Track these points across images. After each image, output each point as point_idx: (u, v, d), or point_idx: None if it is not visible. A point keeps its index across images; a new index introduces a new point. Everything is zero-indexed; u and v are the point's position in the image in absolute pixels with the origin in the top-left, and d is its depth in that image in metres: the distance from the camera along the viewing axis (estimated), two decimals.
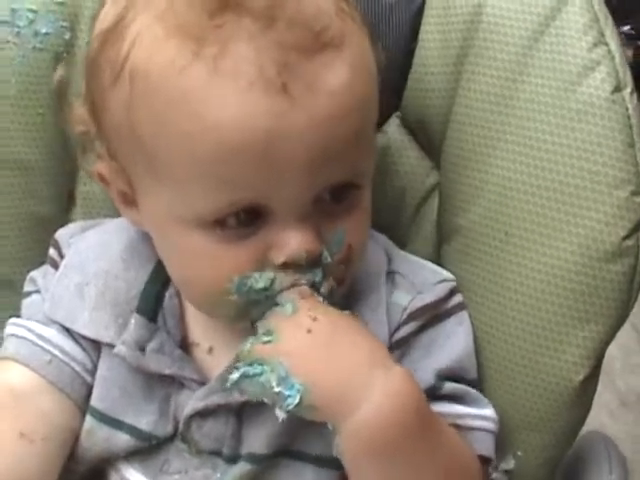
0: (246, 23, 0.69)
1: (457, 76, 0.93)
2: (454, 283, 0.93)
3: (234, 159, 0.71)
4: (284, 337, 0.75)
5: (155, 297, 0.89)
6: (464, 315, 0.93)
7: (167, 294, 0.89)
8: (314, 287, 0.78)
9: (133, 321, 0.88)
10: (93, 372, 0.89)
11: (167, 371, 0.87)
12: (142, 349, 0.87)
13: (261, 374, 0.74)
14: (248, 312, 0.79)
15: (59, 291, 0.90)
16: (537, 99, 0.87)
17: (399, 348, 0.88)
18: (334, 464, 0.80)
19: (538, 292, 0.88)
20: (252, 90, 0.69)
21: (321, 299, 0.78)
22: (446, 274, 0.94)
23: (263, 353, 0.75)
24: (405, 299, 0.89)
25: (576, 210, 0.85)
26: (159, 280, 0.89)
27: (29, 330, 0.89)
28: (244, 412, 0.86)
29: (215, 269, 0.77)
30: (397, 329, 0.88)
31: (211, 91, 0.69)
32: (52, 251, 0.94)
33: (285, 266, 0.76)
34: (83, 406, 0.89)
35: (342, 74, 0.73)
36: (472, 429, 0.88)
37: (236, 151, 0.70)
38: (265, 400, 0.75)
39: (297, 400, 0.72)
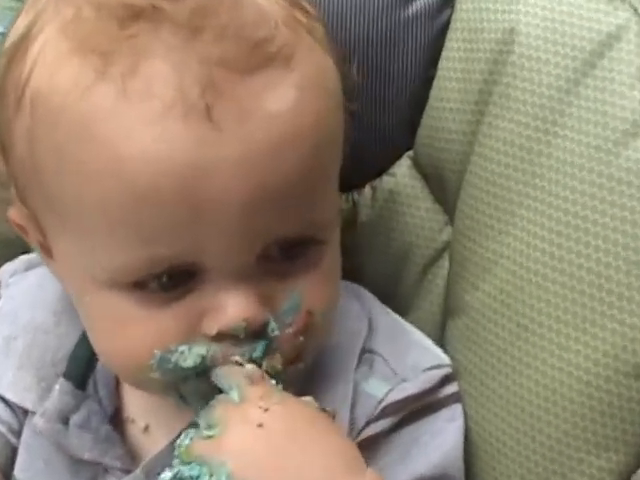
0: (164, 34, 0.57)
1: (478, 117, 0.76)
2: (449, 369, 0.77)
3: (148, 204, 0.57)
4: (229, 432, 0.59)
5: (87, 360, 0.76)
6: (457, 409, 0.77)
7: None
8: (256, 363, 0.63)
9: (58, 387, 0.76)
10: (20, 434, 0.78)
11: (86, 455, 0.74)
12: (65, 421, 0.75)
13: (197, 477, 0.59)
14: (177, 389, 0.65)
15: None
16: (570, 159, 0.70)
17: (367, 449, 0.69)
18: None
19: (549, 403, 0.70)
20: (168, 116, 0.56)
21: (274, 382, 0.63)
22: (442, 357, 0.78)
23: (204, 451, 0.59)
24: (381, 390, 0.74)
25: (605, 309, 0.67)
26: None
27: None
28: None
29: (134, 340, 0.63)
30: (366, 425, 0.72)
31: (118, 118, 0.57)
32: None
33: (220, 337, 0.62)
34: (7, 471, 0.78)
35: (287, 96, 0.59)
36: None
37: (150, 194, 0.57)
38: None
39: None
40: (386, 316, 0.79)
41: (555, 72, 0.70)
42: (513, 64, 0.72)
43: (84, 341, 0.75)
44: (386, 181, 0.84)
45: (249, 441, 0.59)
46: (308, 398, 0.63)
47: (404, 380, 0.74)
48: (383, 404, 0.73)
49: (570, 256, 0.69)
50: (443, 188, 0.81)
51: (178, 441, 0.61)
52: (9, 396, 0.77)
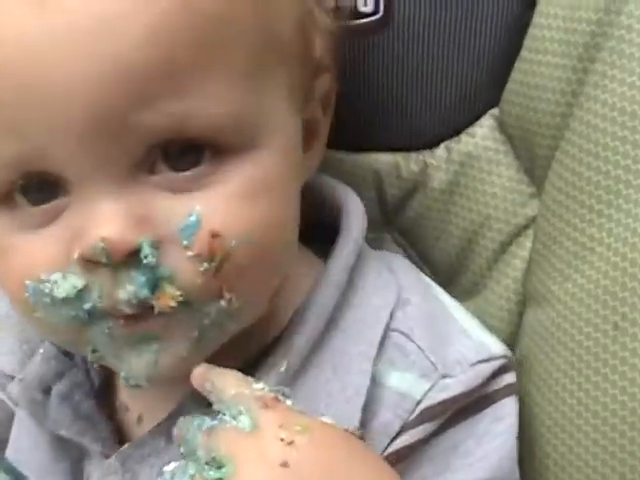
0: None
1: (581, 75, 0.65)
2: (503, 360, 0.66)
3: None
4: (243, 473, 0.49)
5: None
6: (509, 404, 0.66)
7: None
8: (142, 304, 0.55)
9: (41, 351, 0.71)
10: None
11: (63, 432, 0.69)
12: (47, 391, 0.70)
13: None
14: (78, 337, 0.58)
15: None
16: None
17: (401, 461, 0.61)
18: None
19: (626, 410, 0.61)
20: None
21: (290, 402, 0.53)
22: (495, 348, 0.67)
23: None
24: (419, 388, 0.63)
25: None
26: None
27: None
28: None
29: (6, 272, 0.58)
30: (401, 431, 0.62)
31: None
32: None
33: (87, 265, 0.54)
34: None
35: None
36: None
37: None
38: None
39: None
40: (423, 293, 0.68)
41: None
42: (629, 14, 0.61)
43: None
44: (464, 142, 0.73)
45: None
46: (327, 419, 0.54)
47: (446, 376, 0.63)
48: (422, 406, 0.62)
49: None
50: (532, 154, 0.70)
51: (167, 474, 0.53)
52: None
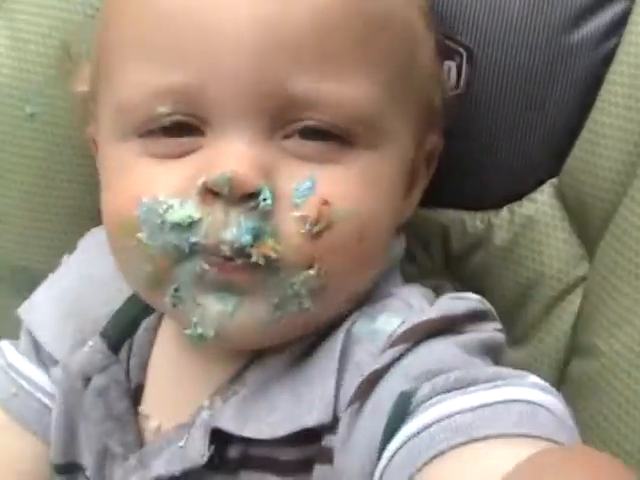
0: None
1: (636, 159, 0.73)
2: (480, 305, 0.65)
3: (164, 25, 0.60)
4: None
5: (128, 323, 0.74)
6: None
7: (143, 324, 0.74)
8: (241, 251, 0.59)
9: (90, 343, 0.73)
10: None
11: (91, 428, 0.72)
12: (86, 382, 0.72)
13: None
14: (170, 279, 0.62)
15: (41, 292, 0.80)
16: None
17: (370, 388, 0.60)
18: None
19: None
20: None
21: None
22: (474, 297, 0.67)
23: None
24: (392, 324, 0.63)
25: None
26: (136, 305, 0.74)
27: (2, 354, 0.80)
28: None
29: (125, 188, 0.62)
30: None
31: None
32: (65, 257, 0.83)
33: (207, 197, 0.59)
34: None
35: None
36: None
37: (165, 17, 0.60)
38: None
39: None
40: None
41: None
42: None
43: (130, 303, 0.74)
44: (526, 206, 0.81)
45: None
46: None
47: (421, 310, 0.65)
48: (393, 337, 0.61)
49: None
50: (585, 222, 0.78)
51: None
52: (45, 341, 0.76)
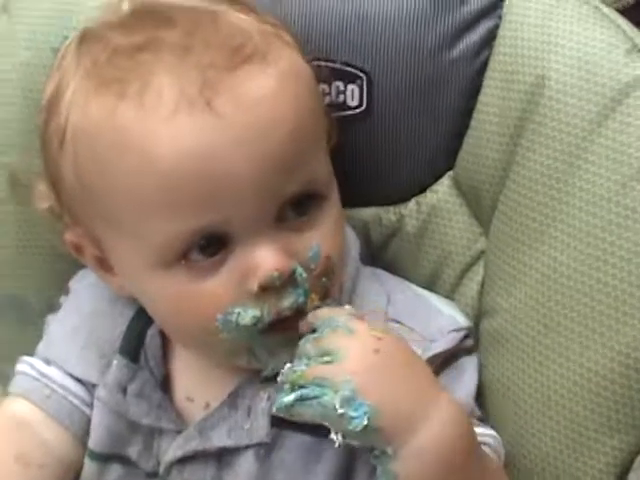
0: (164, 56, 0.75)
1: (513, 148, 0.90)
2: (467, 331, 0.92)
3: (177, 185, 0.73)
4: (351, 356, 0.75)
5: (138, 336, 0.92)
6: (470, 360, 0.93)
7: (149, 333, 0.92)
8: (298, 308, 0.79)
9: (115, 362, 0.91)
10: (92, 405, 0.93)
11: (144, 421, 0.90)
12: (124, 390, 0.90)
13: (321, 396, 0.73)
14: (246, 347, 0.81)
15: (56, 331, 0.96)
16: (592, 190, 0.84)
17: None
18: None
19: (571, 393, 0.85)
20: (177, 114, 0.73)
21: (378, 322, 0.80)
22: (460, 320, 0.93)
23: (325, 374, 0.74)
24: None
25: (619, 315, 0.82)
26: (143, 318, 0.91)
27: (32, 367, 0.94)
28: (223, 456, 0.87)
29: (195, 310, 0.79)
30: None
31: (141, 125, 0.73)
32: (63, 298, 0.99)
33: (264, 291, 0.77)
34: (84, 437, 0.93)
35: (267, 84, 0.76)
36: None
37: (176, 176, 0.73)
38: (325, 423, 0.74)
39: (365, 422, 0.72)
40: (404, 292, 0.94)
41: (580, 114, 0.84)
42: (544, 105, 0.86)
43: (135, 320, 0.92)
44: (429, 197, 0.98)
45: (369, 363, 0.74)
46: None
47: (432, 341, 0.88)
48: None
49: (590, 271, 0.83)
50: (479, 205, 0.95)
51: (288, 369, 0.76)
52: (76, 373, 0.92)
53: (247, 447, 0.86)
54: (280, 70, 0.78)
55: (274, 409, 0.77)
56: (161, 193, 0.74)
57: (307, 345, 0.77)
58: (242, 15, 0.81)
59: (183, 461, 0.88)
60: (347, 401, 0.72)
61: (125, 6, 0.83)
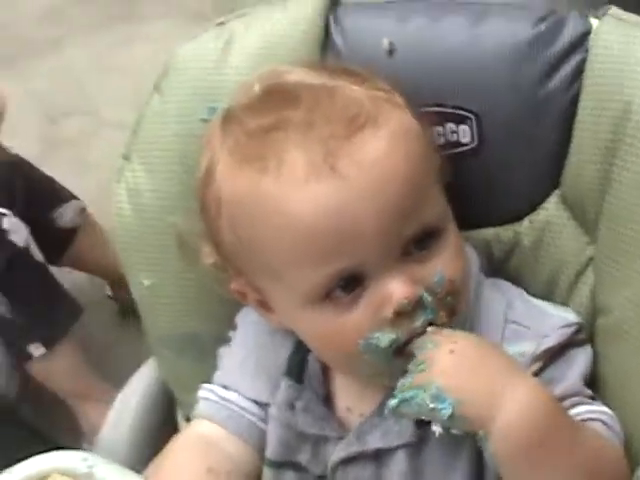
0: (291, 135, 0.90)
1: (608, 167, 1.01)
2: (578, 326, 1.04)
3: (315, 239, 0.89)
4: (434, 363, 0.90)
5: (300, 361, 1.08)
6: (586, 349, 1.04)
7: (310, 358, 1.07)
8: (430, 324, 0.92)
9: (283, 384, 1.07)
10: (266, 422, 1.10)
11: (311, 430, 1.05)
12: (291, 407, 1.06)
13: (416, 397, 0.89)
14: (383, 369, 0.95)
15: (229, 361, 1.13)
16: None
17: None
18: None
19: None
20: (308, 181, 0.89)
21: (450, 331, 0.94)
22: (571, 317, 1.05)
23: (419, 381, 0.90)
24: (529, 347, 1.00)
25: None
26: (302, 348, 1.07)
27: (213, 392, 1.11)
28: (379, 457, 1.02)
29: (341, 338, 0.94)
30: None
31: (280, 193, 0.90)
32: (231, 332, 1.16)
33: (397, 316, 0.91)
34: (261, 449, 1.09)
35: (380, 146, 0.90)
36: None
37: (313, 232, 0.89)
38: (423, 417, 0.90)
39: (450, 411, 0.86)
40: (522, 297, 1.07)
41: None
42: (632, 128, 0.99)
43: (296, 348, 1.08)
44: (541, 214, 1.10)
45: (447, 364, 0.90)
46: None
47: (545, 337, 1.00)
48: (531, 356, 0.99)
49: None
50: (584, 217, 1.06)
51: (398, 384, 0.91)
52: (251, 395, 1.09)
53: (398, 447, 1.00)
54: (390, 131, 0.92)
55: (385, 411, 0.93)
56: (302, 247, 0.90)
57: (410, 365, 0.92)
58: (355, 86, 0.95)
59: (345, 463, 1.04)
60: (435, 397, 0.87)
61: (256, 87, 0.98)
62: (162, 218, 1.16)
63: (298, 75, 0.98)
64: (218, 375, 1.14)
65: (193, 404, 1.15)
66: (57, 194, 2.50)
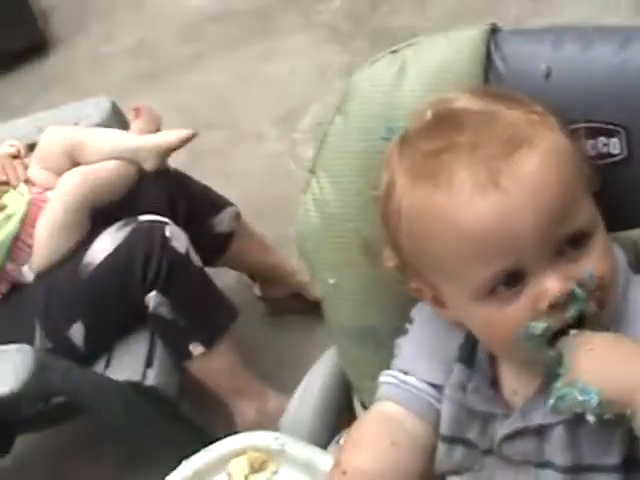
0: (459, 156, 1.05)
1: None
2: None
3: (482, 243, 1.04)
4: (576, 362, 1.03)
5: (470, 350, 1.23)
6: None
7: (479, 347, 1.22)
8: (581, 314, 1.05)
9: (456, 368, 1.23)
10: (440, 402, 1.26)
11: (481, 408, 1.20)
12: (463, 389, 1.21)
13: (568, 394, 1.02)
14: (536, 356, 1.08)
15: (407, 350, 1.30)
16: None
17: None
18: (619, 469, 1.10)
19: None
20: (474, 196, 1.04)
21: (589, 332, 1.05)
22: None
23: (567, 381, 1.03)
24: None
25: None
26: (471, 338, 1.22)
27: (394, 377, 1.28)
28: (540, 432, 1.14)
29: (503, 328, 1.08)
30: None
31: (451, 206, 1.05)
32: (408, 325, 1.32)
33: (551, 308, 1.04)
34: (436, 426, 1.24)
35: (535, 162, 1.04)
36: None
37: (480, 238, 1.04)
38: (577, 410, 1.02)
39: (597, 400, 0.98)
40: None
41: None
42: None
43: (466, 339, 1.23)
44: None
45: (587, 361, 1.03)
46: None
47: None
48: None
49: None
50: None
51: (553, 387, 1.03)
52: (428, 378, 1.24)
53: (558, 423, 1.11)
54: (544, 149, 1.05)
55: (547, 408, 1.06)
56: (471, 249, 1.05)
57: (560, 369, 1.05)
58: (513, 110, 1.09)
59: (511, 438, 1.16)
60: (582, 391, 1.00)
61: (428, 114, 1.13)
62: (346, 224, 1.34)
63: (463, 102, 1.13)
64: (397, 362, 1.30)
65: (370, 389, 1.34)
66: (214, 202, 2.71)
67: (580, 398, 1.00)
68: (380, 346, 1.38)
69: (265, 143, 3.75)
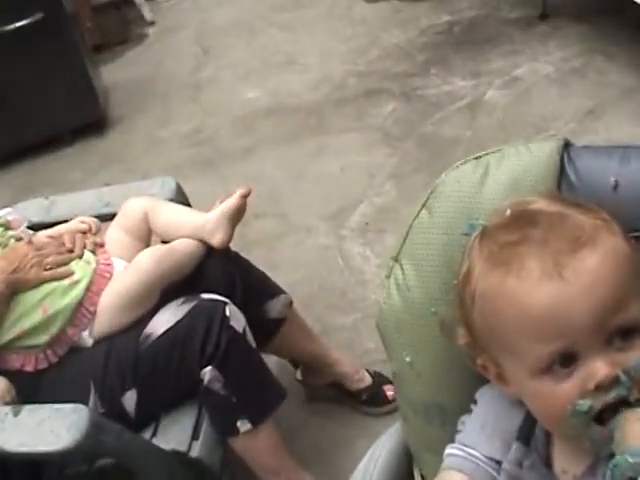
0: (531, 249, 1.19)
1: None
2: None
3: (544, 324, 1.15)
4: (625, 435, 1.11)
5: (529, 429, 1.33)
6: None
7: (537, 428, 1.34)
8: (623, 399, 1.13)
9: (514, 446, 1.33)
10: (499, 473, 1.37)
11: None
12: (520, 465, 1.32)
13: (621, 460, 1.08)
14: (585, 433, 1.16)
15: (471, 427, 1.41)
16: None
17: None
18: None
19: None
20: (541, 282, 1.16)
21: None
22: None
23: (619, 451, 1.10)
24: None
25: None
26: (530, 419, 1.33)
27: (460, 450, 1.39)
28: None
29: (555, 403, 1.18)
30: None
31: (520, 290, 1.18)
32: (472, 405, 1.43)
33: (597, 389, 1.13)
34: None
35: (595, 260, 1.17)
36: None
37: (543, 319, 1.16)
38: (631, 475, 1.06)
39: None
40: None
41: None
42: None
43: (525, 419, 1.35)
44: None
45: (636, 430, 1.10)
46: None
47: None
48: None
49: None
50: None
51: (612, 463, 1.08)
52: (487, 453, 1.36)
53: None
54: (604, 250, 1.17)
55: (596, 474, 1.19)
56: (534, 328, 1.17)
57: (612, 446, 1.12)
58: (581, 215, 1.22)
59: None
60: (633, 454, 1.07)
61: (508, 212, 1.28)
62: (426, 308, 1.48)
63: (539, 204, 1.27)
64: (461, 436, 1.43)
65: (431, 462, 1.47)
66: (270, 288, 2.84)
67: (631, 461, 1.06)
68: (445, 422, 1.50)
69: (313, 237, 3.89)
